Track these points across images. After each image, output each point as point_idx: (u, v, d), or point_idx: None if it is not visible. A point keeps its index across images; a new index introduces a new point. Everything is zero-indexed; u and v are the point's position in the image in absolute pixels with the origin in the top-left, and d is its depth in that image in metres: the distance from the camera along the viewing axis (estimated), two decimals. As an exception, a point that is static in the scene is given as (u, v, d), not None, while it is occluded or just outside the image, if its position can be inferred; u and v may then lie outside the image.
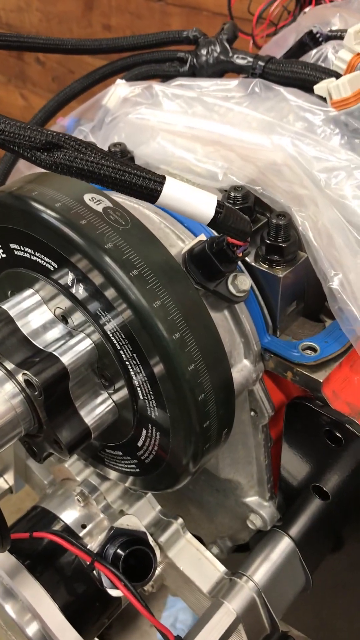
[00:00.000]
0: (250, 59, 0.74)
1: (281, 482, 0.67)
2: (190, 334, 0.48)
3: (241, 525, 0.73)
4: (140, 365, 0.50)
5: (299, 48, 0.81)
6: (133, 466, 0.61)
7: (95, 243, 0.47)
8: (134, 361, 0.50)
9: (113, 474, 0.67)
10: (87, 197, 0.50)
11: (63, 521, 0.72)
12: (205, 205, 0.43)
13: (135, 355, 0.50)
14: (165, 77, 0.84)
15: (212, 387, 0.50)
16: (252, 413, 0.62)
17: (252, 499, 0.70)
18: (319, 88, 0.66)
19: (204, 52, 0.79)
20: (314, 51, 0.77)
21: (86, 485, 0.72)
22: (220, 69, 0.78)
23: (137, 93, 0.71)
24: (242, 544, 0.80)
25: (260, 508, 0.69)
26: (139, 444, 0.57)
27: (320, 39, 0.78)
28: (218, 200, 0.44)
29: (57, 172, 0.41)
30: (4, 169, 0.81)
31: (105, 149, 0.70)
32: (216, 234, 0.56)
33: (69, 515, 0.73)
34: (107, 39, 0.83)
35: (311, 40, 0.79)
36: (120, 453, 0.61)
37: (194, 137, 0.62)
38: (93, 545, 0.68)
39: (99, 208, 0.50)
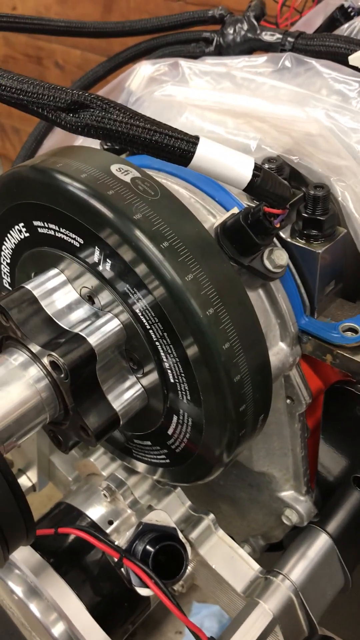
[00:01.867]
0: (280, 36, 0.72)
1: (319, 475, 0.64)
2: (225, 310, 0.45)
3: (275, 521, 0.70)
4: (171, 346, 0.47)
5: (330, 24, 0.78)
6: (163, 457, 0.58)
7: (123, 214, 0.45)
8: (165, 341, 0.47)
9: (141, 467, 0.64)
10: (114, 168, 0.47)
11: (89, 517, 0.69)
12: (241, 168, 0.40)
13: (166, 334, 0.47)
14: (191, 58, 0.82)
15: (248, 368, 0.47)
16: (288, 400, 0.58)
17: (287, 493, 0.66)
18: (354, 58, 0.62)
19: (230, 30, 0.76)
20: (345, 25, 0.74)
21: (113, 480, 0.69)
22: (248, 47, 0.76)
23: (162, 71, 0.69)
24: (276, 543, 0.76)
25: (296, 503, 0.66)
26: (170, 432, 0.54)
27: (352, 14, 0.75)
28: (255, 163, 0.41)
29: (83, 134, 0.38)
30: (30, 144, 0.79)
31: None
32: (251, 205, 0.53)
33: (95, 511, 0.70)
34: (130, 20, 0.81)
35: (342, 15, 0.76)
36: (149, 443, 0.58)
37: (223, 111, 0.59)
38: (121, 542, 0.65)
39: (127, 178, 0.47)
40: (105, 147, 0.65)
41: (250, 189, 0.41)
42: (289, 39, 0.71)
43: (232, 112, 0.59)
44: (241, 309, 0.46)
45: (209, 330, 0.44)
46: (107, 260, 0.48)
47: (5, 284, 0.61)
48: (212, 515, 0.67)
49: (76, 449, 0.73)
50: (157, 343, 0.48)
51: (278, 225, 0.46)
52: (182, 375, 0.48)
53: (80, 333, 0.49)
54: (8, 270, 0.59)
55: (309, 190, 0.52)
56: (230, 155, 0.40)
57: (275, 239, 0.53)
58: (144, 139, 0.38)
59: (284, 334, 0.54)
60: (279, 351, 0.54)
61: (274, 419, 0.60)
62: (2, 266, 0.59)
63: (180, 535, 0.65)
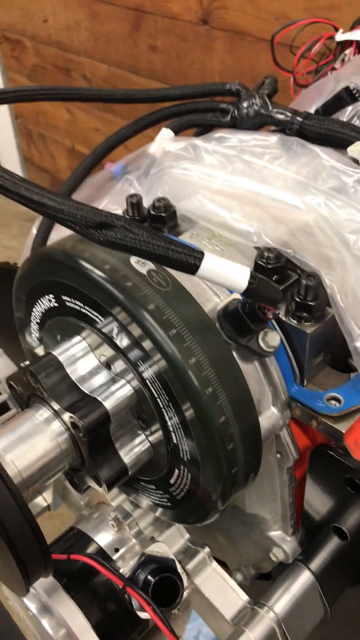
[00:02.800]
0: (289, 114, 0.79)
1: (304, 520, 0.71)
2: (222, 388, 0.53)
3: (265, 556, 0.77)
4: (175, 414, 0.55)
5: (336, 101, 0.85)
6: (165, 500, 0.66)
7: (139, 304, 0.52)
8: (169, 409, 0.55)
9: (144, 503, 0.72)
10: (133, 260, 0.55)
11: (97, 544, 0.77)
12: (239, 277, 0.48)
13: (170, 403, 0.55)
14: (208, 126, 0.89)
15: (240, 437, 0.55)
16: (279, 455, 0.66)
17: (275, 533, 0.74)
18: (352, 150, 0.70)
19: (245, 104, 0.83)
20: (350, 107, 0.81)
21: (120, 511, 0.77)
22: (260, 122, 0.83)
23: (181, 147, 0.76)
24: (265, 572, 0.84)
25: (283, 542, 0.73)
26: (171, 481, 0.62)
27: (357, 96, 0.82)
28: (250, 272, 0.48)
29: (108, 248, 0.46)
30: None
31: (150, 198, 0.75)
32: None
33: (103, 538, 0.78)
34: (155, 89, 0.88)
35: (348, 95, 0.83)
36: (153, 487, 0.66)
37: (232, 195, 0.67)
38: (125, 569, 0.73)
39: (144, 270, 0.55)
40: (127, 216, 0.73)
41: (247, 294, 0.49)
42: (297, 118, 0.78)
43: (239, 197, 0.66)
44: (236, 387, 0.54)
45: (207, 406, 0.52)
46: (123, 336, 0.56)
47: (34, 338, 0.69)
48: (207, 549, 0.75)
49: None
50: (162, 409, 0.56)
51: (270, 317, 0.54)
52: (183, 437, 0.56)
53: (98, 398, 0.57)
54: (37, 328, 0.67)
55: (302, 279, 0.59)
56: (229, 267, 0.47)
57: (271, 318, 0.61)
58: (158, 254, 0.46)
59: (275, 400, 0.62)
60: (270, 415, 0.62)
61: (266, 469, 0.68)
62: (32, 324, 0.68)
63: (178, 566, 0.73)
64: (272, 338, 0.57)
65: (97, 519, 0.81)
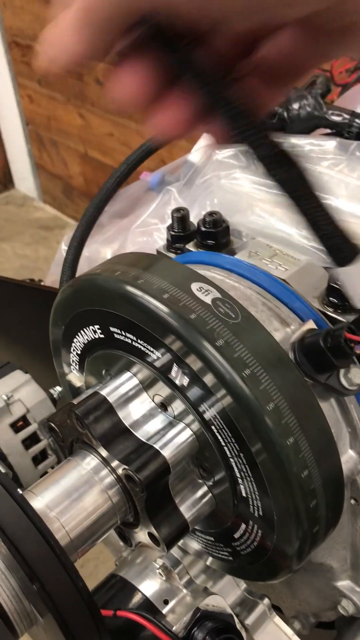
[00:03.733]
0: (347, 116, 0.71)
1: (379, 570, 0.63)
2: (304, 437, 0.45)
3: (328, 606, 0.70)
4: (245, 464, 0.48)
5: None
6: (226, 554, 0.58)
7: (207, 339, 0.45)
8: (240, 460, 0.48)
9: (193, 548, 0.64)
10: (194, 287, 0.48)
11: (144, 594, 0.70)
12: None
13: (242, 455, 0.47)
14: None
15: (324, 492, 0.47)
16: (353, 501, 0.58)
17: (344, 583, 0.66)
18: None
19: (295, 106, 0.76)
20: None
21: (169, 558, 0.70)
22: (313, 125, 0.75)
23: (229, 154, 0.69)
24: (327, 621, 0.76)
25: (353, 594, 0.65)
26: (236, 536, 0.54)
27: None
28: None
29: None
30: (85, 223, 0.80)
31: (195, 211, 0.67)
32: (327, 322, 0.53)
33: (150, 588, 0.70)
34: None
35: None
36: (212, 539, 0.59)
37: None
38: (178, 625, 0.65)
39: (208, 299, 0.47)
40: (173, 232, 0.66)
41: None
42: (357, 120, 0.71)
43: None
44: (319, 434, 0.47)
45: (289, 459, 0.45)
46: (185, 376, 0.48)
47: (74, 370, 0.62)
48: (267, 600, 0.67)
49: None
50: (231, 460, 0.49)
51: (358, 352, 0.46)
52: (255, 493, 0.48)
53: (155, 446, 0.49)
54: (78, 360, 0.60)
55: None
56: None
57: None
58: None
59: (354, 443, 0.54)
60: (348, 459, 0.54)
61: (337, 516, 0.60)
62: (72, 355, 0.60)
63: (236, 621, 0.65)
64: (356, 375, 0.49)
65: (140, 564, 0.74)
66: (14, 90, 3.55)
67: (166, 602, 0.69)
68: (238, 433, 0.46)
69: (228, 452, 0.48)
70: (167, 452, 0.49)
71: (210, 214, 0.62)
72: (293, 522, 0.47)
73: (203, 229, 0.62)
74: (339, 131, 0.73)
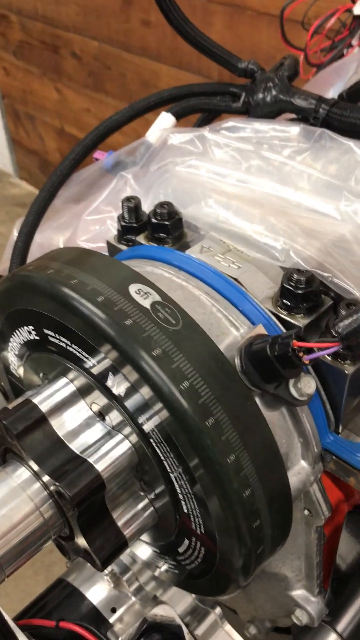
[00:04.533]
0: (313, 101, 0.67)
1: (333, 582, 0.61)
2: (247, 455, 0.42)
3: (284, 613, 0.67)
4: (187, 482, 0.44)
5: (365, 84, 0.74)
6: (172, 566, 0.55)
7: (143, 348, 0.41)
8: (180, 476, 0.44)
9: (143, 557, 0.61)
10: (132, 289, 0.44)
11: (91, 603, 0.67)
12: None
13: (182, 470, 0.44)
14: (215, 112, 0.77)
15: (268, 509, 0.44)
16: (306, 512, 0.55)
17: (298, 592, 0.63)
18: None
19: (260, 88, 0.71)
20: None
21: (117, 564, 0.67)
22: (278, 109, 0.71)
23: (186, 139, 0.64)
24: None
25: (307, 604, 0.63)
26: (180, 550, 0.51)
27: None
28: None
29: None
30: (37, 208, 0.75)
31: (150, 200, 0.63)
32: (282, 330, 0.50)
33: (98, 595, 0.67)
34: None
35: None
36: (158, 550, 0.55)
37: (250, 201, 0.55)
38: (124, 636, 0.63)
39: (147, 303, 0.43)
40: (124, 222, 0.61)
41: None
42: (323, 106, 0.66)
43: (259, 203, 0.55)
44: (264, 450, 0.43)
45: (229, 478, 0.41)
46: (121, 384, 0.44)
47: (13, 371, 0.58)
48: (218, 609, 0.65)
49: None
50: (172, 474, 0.45)
51: (307, 362, 0.43)
52: (196, 510, 0.45)
53: (89, 459, 0.45)
54: (16, 360, 0.56)
55: (340, 309, 0.48)
56: None
57: (301, 353, 0.50)
58: None
59: (305, 453, 0.51)
60: (300, 470, 0.51)
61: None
62: (10, 354, 0.56)
63: (186, 632, 0.62)
64: (307, 384, 0.46)
65: (90, 569, 0.70)
66: (-12, 62, 3.44)
67: (114, 610, 0.66)
68: (176, 448, 0.43)
69: (168, 467, 0.45)
70: (101, 466, 0.45)
71: (162, 205, 0.58)
72: (235, 542, 0.44)
73: (154, 220, 0.58)
74: (305, 117, 0.69)
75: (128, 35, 2.54)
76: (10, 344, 0.55)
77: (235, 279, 0.53)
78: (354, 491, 0.56)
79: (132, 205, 0.60)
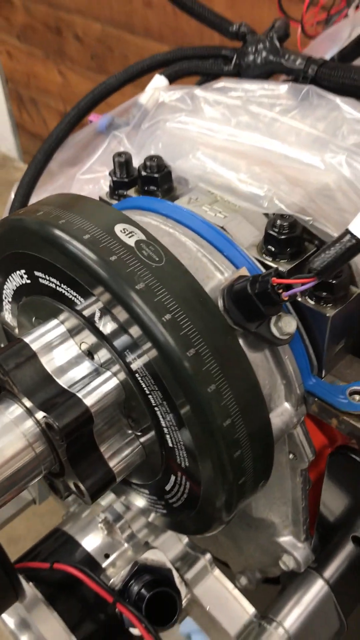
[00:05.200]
0: (302, 61, 0.68)
1: (319, 527, 0.63)
2: (227, 385, 0.44)
3: (272, 561, 0.69)
4: (169, 412, 0.46)
5: (357, 47, 0.75)
6: (160, 507, 0.57)
7: (126, 283, 0.43)
8: (164, 409, 0.46)
9: (137, 504, 0.63)
10: (118, 229, 0.45)
11: (85, 550, 0.69)
12: None
13: (164, 402, 0.46)
14: (207, 75, 0.78)
15: (249, 442, 0.45)
16: (291, 456, 0.57)
17: (285, 539, 0.65)
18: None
19: (251, 50, 0.72)
20: (372, 52, 0.70)
21: (111, 512, 0.69)
22: (268, 70, 0.72)
23: (176, 97, 0.66)
24: (273, 577, 0.76)
25: (294, 549, 0.65)
26: (167, 488, 0.53)
27: (380, 38, 0.71)
28: None
29: None
30: (34, 171, 0.77)
31: (141, 157, 0.65)
32: (262, 270, 0.51)
33: (91, 543, 0.69)
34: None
35: (369, 38, 0.72)
36: (146, 491, 0.57)
37: (237, 153, 0.57)
38: (116, 579, 0.65)
39: (131, 241, 0.45)
40: (115, 178, 0.63)
41: None
42: (312, 66, 0.67)
43: (246, 155, 0.56)
44: (244, 382, 0.45)
45: (209, 407, 0.43)
46: (108, 322, 0.46)
47: (7, 319, 0.60)
48: (209, 555, 0.67)
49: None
50: (156, 408, 0.47)
51: (286, 299, 0.44)
52: (180, 442, 0.47)
53: (78, 394, 0.47)
54: (10, 308, 0.58)
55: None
56: None
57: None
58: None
59: (289, 395, 0.53)
60: (283, 412, 0.53)
61: (276, 471, 0.59)
62: (4, 302, 0.58)
63: (176, 576, 0.64)
64: (287, 324, 0.47)
65: (85, 518, 0.73)
66: (-7, 45, 3.44)
67: (107, 556, 0.68)
68: (160, 380, 0.44)
69: (153, 401, 0.47)
70: (89, 401, 0.47)
71: (151, 158, 0.60)
72: (216, 471, 0.45)
73: (144, 173, 0.60)
74: (295, 77, 0.70)
75: (130, 17, 2.54)
76: (4, 292, 0.56)
77: (222, 227, 0.54)
78: (338, 436, 0.58)
79: (123, 160, 0.62)
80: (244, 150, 0.57)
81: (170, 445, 0.48)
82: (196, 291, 0.45)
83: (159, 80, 0.74)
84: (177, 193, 0.61)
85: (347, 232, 0.43)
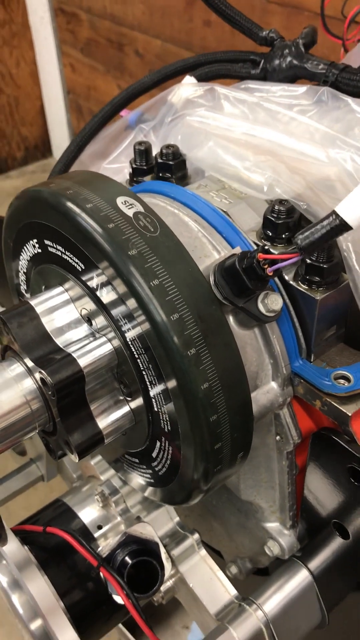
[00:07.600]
0: (325, 66, 0.71)
1: (304, 513, 0.64)
2: (207, 351, 0.46)
3: (260, 549, 0.71)
4: (155, 377, 0.49)
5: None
6: (148, 476, 0.59)
7: (119, 248, 0.46)
8: (150, 372, 0.49)
9: (134, 482, 0.66)
10: (119, 200, 0.49)
11: (81, 520, 0.72)
12: None
13: (151, 366, 0.48)
14: (236, 78, 0.82)
15: (226, 408, 0.48)
16: (278, 437, 0.59)
17: (272, 525, 0.67)
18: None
19: (277, 55, 0.75)
20: None
21: (107, 486, 0.71)
22: (293, 74, 0.75)
23: (199, 94, 0.69)
24: (263, 568, 0.77)
25: (280, 536, 0.66)
26: (154, 455, 0.56)
27: None
28: None
29: None
30: (65, 160, 0.81)
31: (162, 148, 0.68)
32: (253, 247, 0.54)
33: (88, 514, 0.72)
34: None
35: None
36: (137, 460, 0.60)
37: (247, 145, 0.60)
38: (104, 547, 0.67)
39: (130, 212, 0.48)
40: (135, 165, 0.67)
41: None
42: (333, 70, 0.70)
43: (256, 147, 0.59)
44: (225, 351, 0.47)
45: (188, 369, 0.46)
46: (103, 288, 0.49)
47: (22, 290, 0.64)
48: (197, 535, 0.69)
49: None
50: (143, 372, 0.50)
51: (271, 274, 0.47)
52: (164, 406, 0.50)
53: (72, 354, 0.51)
54: (24, 279, 0.62)
55: (314, 237, 0.51)
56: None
57: (277, 279, 0.54)
58: None
59: (275, 374, 0.55)
60: (269, 390, 0.55)
61: (263, 452, 0.61)
62: (20, 274, 0.62)
63: (162, 551, 0.66)
64: (274, 301, 0.50)
65: (85, 492, 0.76)
66: (57, 58, 3.58)
67: (99, 527, 0.71)
68: (147, 345, 0.47)
69: (141, 365, 0.50)
70: (83, 361, 0.50)
71: (168, 146, 0.63)
72: (194, 434, 0.48)
73: (160, 160, 0.63)
74: (318, 82, 0.73)
75: (190, 35, 2.61)
76: (20, 262, 0.61)
77: (225, 212, 0.57)
78: (325, 421, 0.59)
79: (143, 149, 0.66)
80: (253, 143, 0.60)
81: (156, 409, 0.51)
82: (186, 261, 0.48)
83: (188, 80, 0.78)
84: (190, 181, 0.64)
85: (333, 212, 0.45)
